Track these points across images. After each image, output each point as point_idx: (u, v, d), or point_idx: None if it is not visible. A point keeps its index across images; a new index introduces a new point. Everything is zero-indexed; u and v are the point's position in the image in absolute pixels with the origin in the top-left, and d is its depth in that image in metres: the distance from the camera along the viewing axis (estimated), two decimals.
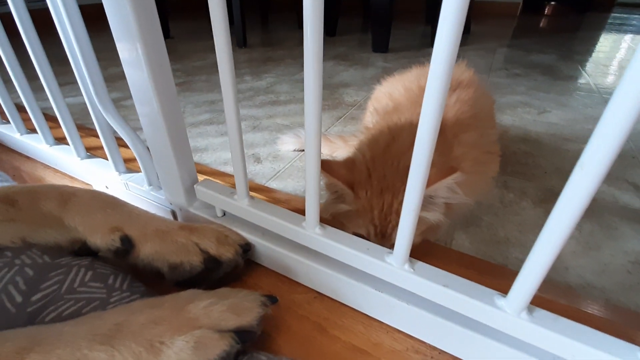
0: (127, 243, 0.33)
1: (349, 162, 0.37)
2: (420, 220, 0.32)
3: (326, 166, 0.33)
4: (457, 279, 0.26)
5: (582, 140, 0.74)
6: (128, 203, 0.37)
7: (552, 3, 2.83)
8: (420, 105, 0.21)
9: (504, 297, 0.24)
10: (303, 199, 0.51)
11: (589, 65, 1.28)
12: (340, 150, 0.62)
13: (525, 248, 0.46)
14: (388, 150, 0.36)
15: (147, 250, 0.33)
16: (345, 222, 0.35)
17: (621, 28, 2.29)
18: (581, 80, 1.11)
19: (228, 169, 0.62)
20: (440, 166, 0.31)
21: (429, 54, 0.19)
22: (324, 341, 0.30)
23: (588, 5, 3.10)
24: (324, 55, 0.26)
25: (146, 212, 0.36)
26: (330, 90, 1.01)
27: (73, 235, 0.34)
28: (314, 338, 0.31)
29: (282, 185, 0.58)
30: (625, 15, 2.96)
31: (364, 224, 0.34)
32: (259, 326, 0.28)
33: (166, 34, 1.80)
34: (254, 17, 2.46)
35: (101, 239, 0.33)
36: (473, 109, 0.44)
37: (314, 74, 0.24)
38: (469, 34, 1.91)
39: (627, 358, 0.21)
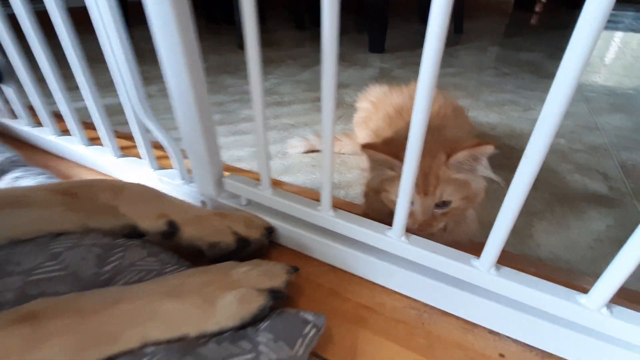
0: (173, 227, 0.40)
1: (387, 140, 0.43)
2: (461, 185, 0.38)
3: (371, 146, 0.39)
4: (441, 247, 0.34)
5: (561, 135, 0.81)
6: (168, 194, 0.44)
7: (543, 0, 2.91)
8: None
9: (478, 259, 0.32)
10: (311, 191, 0.58)
11: None
12: (347, 146, 0.69)
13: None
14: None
15: (189, 233, 0.40)
16: (390, 188, 0.40)
17: (610, 26, 2.36)
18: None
19: (242, 165, 0.69)
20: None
21: (420, 55, 0.25)
22: (337, 302, 0.37)
23: (578, 1, 3.19)
24: (319, 60, 0.32)
25: (185, 202, 0.43)
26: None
27: (125, 222, 0.41)
28: (328, 300, 0.38)
29: (292, 179, 0.65)
30: (615, 12, 3.03)
31: (418, 194, 0.39)
32: (285, 289, 0.35)
33: None
34: None
35: (150, 224, 0.40)
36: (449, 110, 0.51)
37: (331, 79, 0.31)
38: (461, 32, 1.98)
39: (568, 298, 0.28)
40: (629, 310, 0.28)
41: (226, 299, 0.31)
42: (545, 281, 0.30)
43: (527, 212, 0.57)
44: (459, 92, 1.06)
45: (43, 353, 0.25)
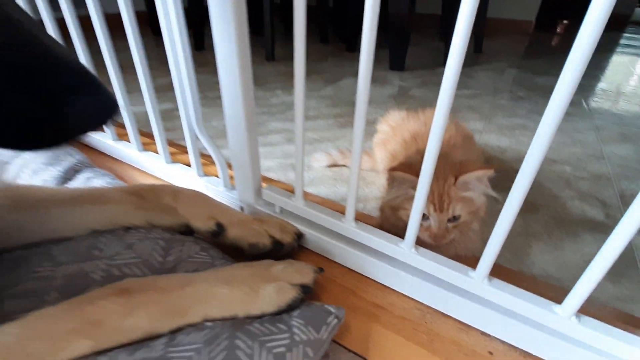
0: (220, 227, 0.48)
1: (408, 164, 0.49)
2: (468, 201, 0.45)
3: (399, 169, 0.46)
4: (443, 259, 0.41)
5: (565, 162, 0.87)
6: (215, 200, 0.52)
7: (564, 21, 2.93)
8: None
9: (474, 271, 0.38)
10: (332, 202, 0.65)
11: (589, 91, 1.40)
12: (366, 163, 0.76)
13: (505, 246, 0.60)
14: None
15: (233, 233, 0.48)
16: (409, 206, 0.43)
17: (633, 51, 2.36)
18: (577, 105, 1.23)
19: (271, 175, 0.77)
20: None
21: (441, 74, 0.32)
22: (354, 300, 0.45)
23: None
24: (346, 72, 0.40)
25: (230, 207, 0.51)
26: (352, 106, 1.15)
27: (181, 221, 0.49)
28: (347, 297, 0.45)
29: (315, 190, 0.72)
30: (638, 36, 3.02)
31: (427, 203, 0.46)
32: (313, 285, 0.42)
33: (200, 45, 1.96)
34: (278, 28, 2.62)
35: (202, 224, 0.48)
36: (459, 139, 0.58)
37: (363, 105, 0.38)
38: (480, 52, 2.03)
39: (545, 307, 0.35)
40: (593, 320, 0.34)
41: (267, 289, 0.39)
42: (527, 292, 0.36)
43: (527, 234, 0.63)
44: (473, 114, 1.12)
45: (134, 318, 0.33)
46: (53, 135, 0.29)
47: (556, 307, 0.35)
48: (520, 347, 0.39)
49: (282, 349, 0.34)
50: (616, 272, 0.56)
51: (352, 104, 1.18)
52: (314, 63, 1.69)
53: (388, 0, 1.51)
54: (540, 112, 1.28)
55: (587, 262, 0.31)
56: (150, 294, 0.35)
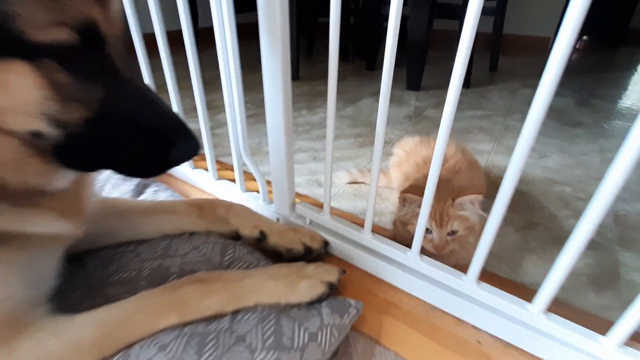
0: (263, 235, 0.60)
1: (416, 187, 0.59)
2: (464, 219, 0.55)
3: (410, 191, 0.57)
4: (443, 265, 0.51)
5: (568, 184, 0.94)
6: (258, 212, 0.64)
7: (584, 38, 2.95)
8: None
9: (466, 275, 0.48)
10: (353, 215, 0.76)
11: (602, 112, 1.45)
12: (382, 181, 0.87)
13: (502, 258, 0.69)
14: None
15: (273, 240, 0.60)
16: (415, 222, 0.53)
17: None
18: (586, 128, 1.29)
19: (299, 190, 0.89)
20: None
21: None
22: (370, 297, 0.55)
23: (621, 39, 3.17)
24: (365, 92, 0.50)
25: (269, 219, 0.63)
26: (371, 127, 1.26)
27: (232, 229, 0.61)
28: (364, 294, 0.56)
29: (338, 204, 0.83)
30: None
31: (430, 220, 0.56)
32: (337, 284, 0.53)
33: None
34: (301, 46, 2.77)
35: (248, 232, 0.60)
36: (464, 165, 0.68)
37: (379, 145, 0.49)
38: (496, 71, 2.11)
39: (520, 305, 0.45)
40: (559, 317, 0.44)
41: (302, 284, 0.50)
42: (508, 294, 0.46)
43: (523, 249, 0.72)
44: (484, 135, 1.21)
45: (208, 300, 0.45)
46: (160, 168, 0.42)
47: (528, 305, 0.44)
48: (503, 338, 0.48)
49: (314, 329, 0.45)
50: (600, 283, 0.64)
51: (370, 124, 1.29)
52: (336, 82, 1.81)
53: (407, 22, 1.62)
54: (547, 134, 1.37)
55: (574, 275, 0.39)
56: (219, 284, 0.47)
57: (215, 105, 1.41)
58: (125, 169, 0.42)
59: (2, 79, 0.30)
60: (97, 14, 0.33)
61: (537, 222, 0.79)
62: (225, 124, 1.26)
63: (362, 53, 2.41)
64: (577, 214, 0.86)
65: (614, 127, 1.31)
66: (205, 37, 1.79)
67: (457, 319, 0.51)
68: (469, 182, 0.67)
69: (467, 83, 1.76)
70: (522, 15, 2.87)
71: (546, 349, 0.45)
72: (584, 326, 0.43)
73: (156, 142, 0.40)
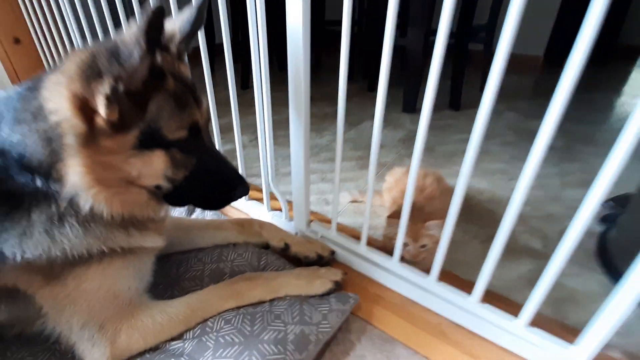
0: (287, 246, 0.82)
1: (398, 212, 0.81)
2: (431, 237, 0.77)
3: (393, 216, 0.79)
4: (415, 269, 0.73)
5: (529, 204, 1.15)
6: (281, 228, 0.86)
7: None
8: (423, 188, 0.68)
9: (429, 276, 0.70)
10: (353, 229, 0.98)
11: (573, 136, 1.66)
12: (377, 201, 1.09)
13: (468, 264, 0.90)
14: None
15: (294, 250, 0.82)
16: (394, 237, 0.79)
17: None
18: (554, 151, 1.50)
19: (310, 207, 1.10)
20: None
21: (447, 117, 0.63)
22: (363, 291, 0.77)
23: (610, 55, 3.34)
24: (366, 114, 0.71)
25: (290, 233, 0.85)
26: (369, 150, 1.48)
27: (263, 240, 0.84)
28: (359, 290, 0.77)
29: (342, 220, 1.05)
30: None
31: (407, 236, 0.78)
32: (341, 282, 0.75)
33: (245, 84, 2.35)
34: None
35: (276, 243, 0.83)
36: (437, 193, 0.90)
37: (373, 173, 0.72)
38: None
39: (462, 296, 0.66)
40: (493, 307, 0.65)
41: (317, 282, 0.72)
42: (455, 288, 0.68)
43: (483, 257, 0.93)
44: (462, 159, 1.43)
45: (255, 292, 0.67)
46: (225, 203, 0.65)
47: (468, 297, 0.66)
48: (454, 320, 0.70)
49: (325, 311, 0.67)
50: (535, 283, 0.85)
51: (369, 147, 1.51)
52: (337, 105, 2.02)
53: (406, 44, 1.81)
54: (521, 158, 1.56)
55: (520, 278, 0.57)
56: (261, 281, 0.69)
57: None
58: (204, 205, 0.65)
59: (149, 159, 0.52)
60: (198, 115, 0.56)
61: (493, 236, 1.01)
62: (246, 146, 1.49)
63: (365, 71, 2.61)
64: (531, 229, 1.07)
65: (579, 152, 1.52)
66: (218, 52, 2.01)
67: (424, 307, 0.73)
68: (441, 207, 0.89)
69: (457, 105, 1.96)
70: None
71: (480, 326, 0.67)
72: (509, 313, 0.65)
73: (224, 187, 0.62)
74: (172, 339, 0.62)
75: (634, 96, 2.34)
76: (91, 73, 0.43)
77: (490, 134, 1.65)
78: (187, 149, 0.55)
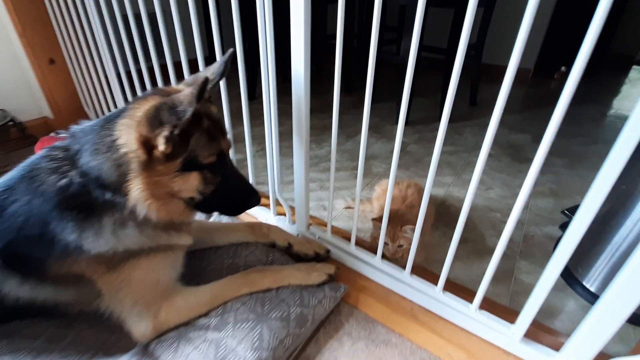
0: (290, 246, 0.99)
1: (380, 217, 1.00)
2: (407, 238, 0.94)
3: (377, 219, 0.96)
4: (393, 265, 0.90)
5: (500, 211, 1.32)
6: (285, 230, 1.03)
7: (562, 68, 3.31)
8: (401, 198, 0.85)
9: (405, 271, 0.87)
10: (346, 231, 1.15)
11: (551, 150, 1.82)
12: (367, 207, 1.26)
13: (440, 262, 1.07)
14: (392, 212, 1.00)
15: (296, 249, 0.99)
16: (378, 237, 0.96)
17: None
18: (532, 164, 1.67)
19: (311, 213, 1.28)
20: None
21: (436, 129, 0.80)
22: (352, 283, 0.94)
23: (600, 66, 3.50)
24: (361, 127, 0.89)
25: (292, 234, 1.03)
26: (366, 161, 1.65)
27: (270, 241, 1.01)
28: (349, 282, 0.95)
29: (337, 223, 1.22)
30: None
31: (387, 237, 0.95)
32: (334, 275, 0.92)
33: (252, 95, 2.52)
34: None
35: (281, 243, 1.00)
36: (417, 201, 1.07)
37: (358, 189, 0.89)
38: (475, 105, 2.48)
39: (431, 287, 0.83)
40: (452, 295, 0.82)
41: (314, 274, 0.89)
42: (424, 279, 0.85)
43: (455, 257, 1.10)
44: (448, 169, 1.60)
45: (265, 280, 0.85)
46: (241, 211, 0.82)
47: (435, 287, 0.83)
48: (424, 305, 0.87)
49: (321, 297, 0.84)
50: (498, 279, 1.02)
51: (366, 158, 1.68)
52: (340, 114, 2.20)
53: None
54: (498, 170, 1.78)
55: (483, 274, 0.75)
56: (269, 272, 0.87)
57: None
58: (225, 212, 0.82)
59: (188, 178, 0.69)
60: (223, 145, 0.73)
61: (468, 238, 1.18)
62: (253, 155, 1.66)
63: (362, 84, 2.76)
64: (498, 233, 1.24)
65: (552, 164, 1.68)
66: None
67: (400, 295, 0.90)
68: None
69: None
70: (502, 45, 3.22)
71: (443, 310, 0.84)
72: (465, 300, 0.81)
73: (241, 198, 0.79)
74: (200, 317, 0.79)
75: (618, 109, 2.50)
76: (155, 122, 0.60)
77: (474, 147, 1.81)
78: (215, 170, 0.72)
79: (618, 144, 0.51)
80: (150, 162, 0.64)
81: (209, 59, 0.87)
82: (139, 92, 1.36)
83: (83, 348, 0.74)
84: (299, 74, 0.83)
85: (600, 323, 0.61)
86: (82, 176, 0.66)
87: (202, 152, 0.68)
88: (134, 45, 1.23)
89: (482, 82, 2.46)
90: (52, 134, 1.57)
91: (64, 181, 0.66)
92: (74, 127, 0.72)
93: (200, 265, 0.93)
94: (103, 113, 1.67)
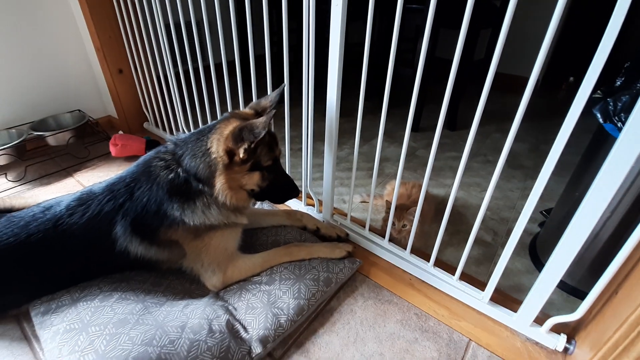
0: (318, 229, 1.29)
1: (389, 205, 1.28)
2: (410, 220, 1.22)
3: (389, 202, 1.25)
4: (397, 247, 1.18)
5: (489, 209, 1.58)
6: (314, 216, 1.33)
7: (571, 79, 3.46)
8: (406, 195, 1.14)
9: (405, 250, 1.16)
10: (362, 220, 1.44)
11: (543, 158, 2.06)
12: (379, 202, 1.54)
13: (432, 247, 1.34)
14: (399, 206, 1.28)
15: (323, 231, 1.28)
16: (388, 220, 1.24)
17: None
18: (525, 170, 1.91)
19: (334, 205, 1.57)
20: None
21: (443, 136, 1.10)
22: (366, 259, 1.23)
23: (609, 77, 3.63)
24: (377, 132, 1.18)
25: (320, 220, 1.32)
26: (381, 163, 1.92)
27: (303, 224, 1.30)
28: (363, 258, 1.23)
29: (354, 214, 1.51)
30: None
31: (394, 219, 1.23)
32: (352, 252, 1.21)
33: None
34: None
35: (311, 226, 1.29)
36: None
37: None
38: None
39: (424, 263, 1.11)
40: (440, 269, 1.10)
41: (337, 250, 1.18)
42: (420, 258, 1.13)
43: (448, 244, 1.38)
44: (450, 172, 1.85)
45: (301, 252, 1.15)
46: (285, 200, 1.12)
47: (427, 263, 1.11)
48: (419, 277, 1.15)
49: (342, 267, 1.14)
50: (480, 262, 1.29)
51: (380, 160, 1.95)
52: (354, 121, 2.47)
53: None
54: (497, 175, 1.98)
55: (469, 258, 1.01)
56: (303, 247, 1.16)
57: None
58: (274, 200, 1.12)
59: (253, 176, 0.99)
60: (277, 152, 1.03)
61: (460, 230, 1.45)
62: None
63: (380, 90, 3.02)
64: (486, 228, 1.51)
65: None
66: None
67: (402, 269, 1.18)
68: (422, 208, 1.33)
69: (453, 126, 2.37)
70: (508, 55, 3.40)
71: (433, 280, 1.11)
72: (450, 273, 1.09)
73: (286, 191, 1.09)
74: (254, 276, 1.10)
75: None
76: (239, 138, 0.89)
77: (475, 153, 2.09)
78: (270, 170, 1.02)
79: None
80: (230, 164, 0.94)
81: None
82: (186, 97, 1.67)
83: (175, 291, 1.05)
84: (332, 101, 1.12)
85: (541, 287, 0.88)
86: (185, 172, 0.96)
87: (263, 158, 0.98)
88: (185, 48, 1.53)
89: (491, 90, 2.68)
90: (120, 132, 1.90)
91: (172, 175, 0.96)
92: (173, 138, 1.02)
93: (250, 240, 1.23)
94: (159, 114, 1.99)
